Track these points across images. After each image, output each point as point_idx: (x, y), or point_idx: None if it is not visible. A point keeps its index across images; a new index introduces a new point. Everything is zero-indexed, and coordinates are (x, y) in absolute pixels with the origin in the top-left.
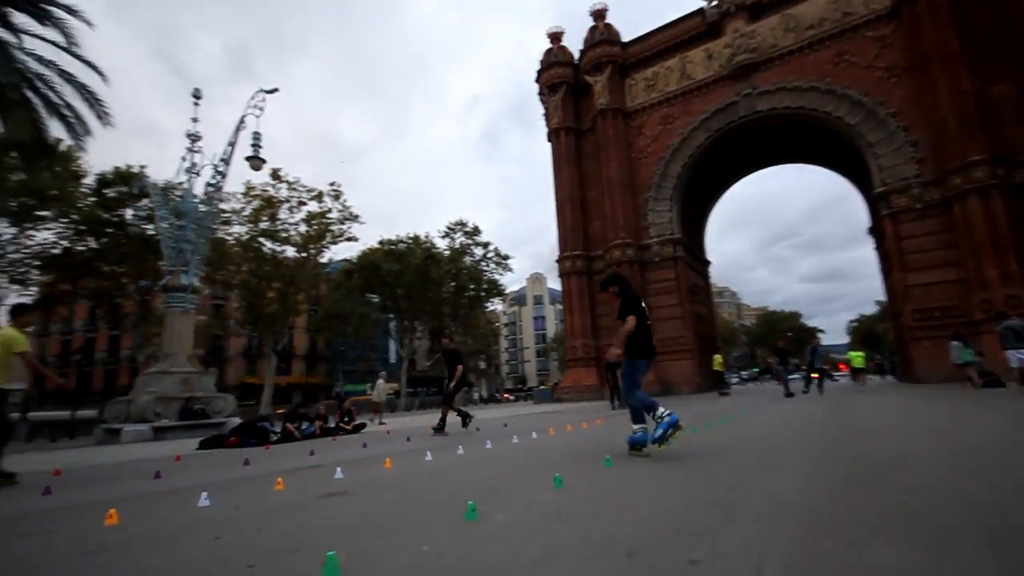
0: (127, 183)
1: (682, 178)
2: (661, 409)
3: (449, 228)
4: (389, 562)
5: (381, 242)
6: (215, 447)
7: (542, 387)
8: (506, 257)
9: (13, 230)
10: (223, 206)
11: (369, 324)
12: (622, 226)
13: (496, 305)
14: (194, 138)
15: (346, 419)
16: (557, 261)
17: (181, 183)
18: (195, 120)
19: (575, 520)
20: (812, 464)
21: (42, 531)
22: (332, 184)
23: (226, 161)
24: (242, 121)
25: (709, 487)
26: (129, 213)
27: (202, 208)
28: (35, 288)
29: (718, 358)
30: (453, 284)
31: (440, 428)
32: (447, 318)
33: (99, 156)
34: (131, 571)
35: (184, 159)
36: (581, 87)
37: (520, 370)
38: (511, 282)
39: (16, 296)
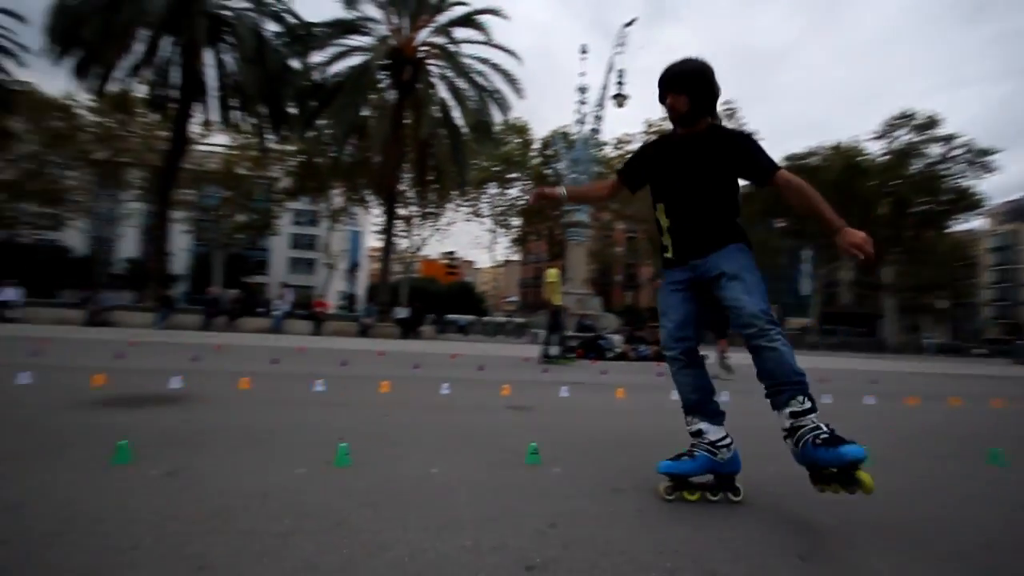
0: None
1: None
2: (702, 425)
3: (888, 126)
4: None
5: (788, 157)
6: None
7: None
8: (986, 152)
9: (496, 190)
10: (628, 148)
11: (769, 251)
12: None
13: (974, 222)
14: (582, 90)
15: None
16: None
17: (577, 133)
18: (582, 74)
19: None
20: None
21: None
22: (726, 104)
23: (601, 105)
24: (611, 65)
25: None
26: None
27: (588, 151)
28: (513, 230)
29: None
30: (889, 198)
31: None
32: (885, 243)
33: (548, 118)
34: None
35: (576, 111)
36: None
37: (1015, 315)
38: (1002, 188)
39: (502, 236)
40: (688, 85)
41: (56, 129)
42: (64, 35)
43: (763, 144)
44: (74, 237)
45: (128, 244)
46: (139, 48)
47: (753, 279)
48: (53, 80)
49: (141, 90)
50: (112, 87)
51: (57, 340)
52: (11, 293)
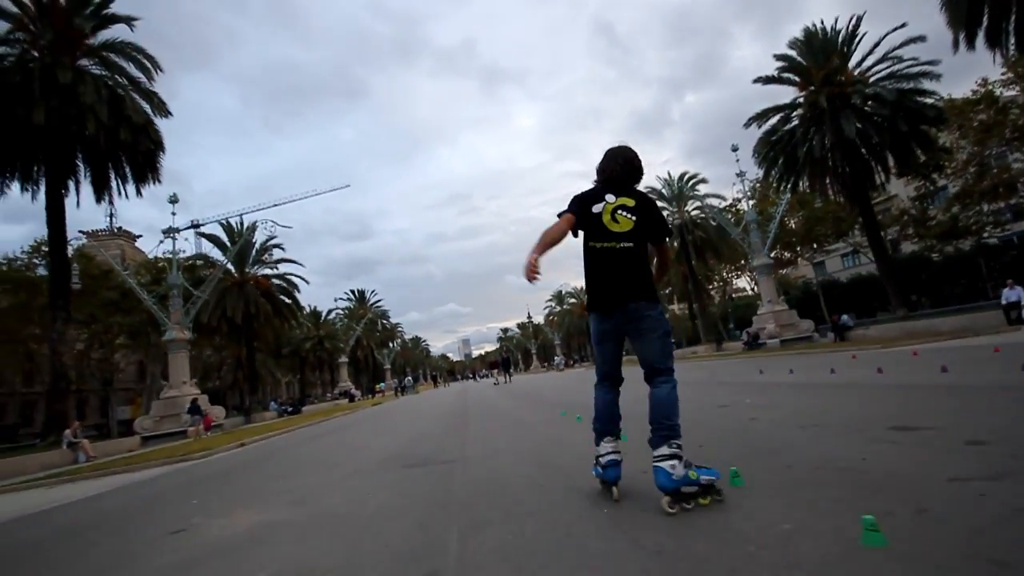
0: None
1: None
2: (607, 447)
3: None
4: None
5: None
6: None
7: None
8: None
9: None
10: None
11: None
12: None
13: None
14: None
15: None
16: None
17: None
18: None
19: None
20: None
21: None
22: None
23: None
24: None
25: None
26: None
27: None
28: None
29: None
30: None
31: None
32: None
33: None
34: None
35: None
36: None
37: None
38: None
39: None
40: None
41: (982, 123)
42: (967, 14)
43: None
44: None
45: None
46: None
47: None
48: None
49: None
50: None
51: None
52: (1015, 294)
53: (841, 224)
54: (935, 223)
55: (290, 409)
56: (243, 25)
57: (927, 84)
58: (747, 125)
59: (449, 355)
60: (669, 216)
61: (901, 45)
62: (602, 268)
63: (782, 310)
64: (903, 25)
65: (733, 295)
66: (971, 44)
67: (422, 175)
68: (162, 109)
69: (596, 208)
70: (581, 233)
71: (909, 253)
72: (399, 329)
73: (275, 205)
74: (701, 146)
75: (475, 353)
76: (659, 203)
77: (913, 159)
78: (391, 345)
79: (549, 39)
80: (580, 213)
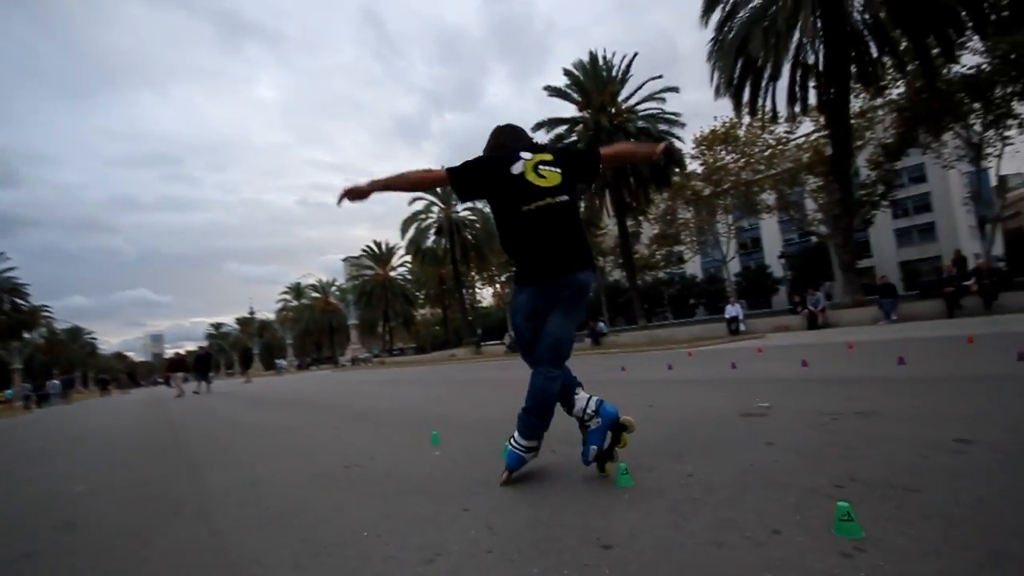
0: None
1: None
2: (583, 401)
3: None
4: None
5: None
6: None
7: None
8: None
9: None
10: None
11: None
12: None
13: None
14: None
15: None
16: None
17: None
18: None
19: None
20: None
21: None
22: None
23: None
24: None
25: None
26: None
27: None
28: None
29: None
30: None
31: None
32: None
33: None
34: None
35: None
36: None
37: None
38: None
39: None
40: None
41: (674, 183)
42: (732, 75)
43: None
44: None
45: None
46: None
47: None
48: None
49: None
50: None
51: None
52: (735, 309)
53: None
54: (637, 257)
55: None
56: None
57: (676, 131)
58: (535, 129)
59: (130, 354)
60: (438, 214)
61: (661, 91)
62: (542, 231)
63: None
64: (659, 76)
65: (475, 304)
66: (728, 94)
67: (111, 120)
68: None
69: (515, 169)
70: (486, 203)
71: (612, 281)
72: (45, 314)
73: None
74: (455, 163)
75: (170, 352)
76: (430, 199)
77: (661, 190)
78: (27, 336)
79: (314, 8)
80: (493, 178)
